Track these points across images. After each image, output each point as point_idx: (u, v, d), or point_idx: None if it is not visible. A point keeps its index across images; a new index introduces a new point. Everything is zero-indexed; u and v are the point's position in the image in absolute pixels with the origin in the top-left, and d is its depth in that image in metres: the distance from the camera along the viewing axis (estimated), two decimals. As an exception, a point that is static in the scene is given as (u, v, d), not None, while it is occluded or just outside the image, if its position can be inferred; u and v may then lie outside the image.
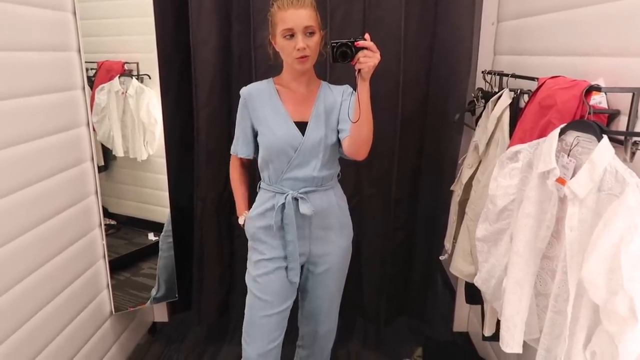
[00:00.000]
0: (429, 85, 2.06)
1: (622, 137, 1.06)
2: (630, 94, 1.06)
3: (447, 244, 1.95)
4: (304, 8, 1.38)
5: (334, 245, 1.60)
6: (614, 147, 0.99)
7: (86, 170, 1.82)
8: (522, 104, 1.50)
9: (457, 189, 1.87)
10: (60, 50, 1.65)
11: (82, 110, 1.78)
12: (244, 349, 1.58)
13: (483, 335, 1.63)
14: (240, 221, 1.64)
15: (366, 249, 2.21)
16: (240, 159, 1.63)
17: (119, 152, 1.97)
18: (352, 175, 2.10)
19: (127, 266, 2.09)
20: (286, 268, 1.55)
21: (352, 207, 1.69)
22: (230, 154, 1.65)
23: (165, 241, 2.13)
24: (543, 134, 1.22)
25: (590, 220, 1.00)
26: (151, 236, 2.13)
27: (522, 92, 1.50)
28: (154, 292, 2.14)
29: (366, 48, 1.24)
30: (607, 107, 1.15)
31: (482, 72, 1.94)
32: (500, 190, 1.28)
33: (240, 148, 1.58)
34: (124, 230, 2.07)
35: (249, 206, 1.64)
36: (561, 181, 1.07)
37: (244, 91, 1.55)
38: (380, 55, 1.26)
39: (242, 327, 1.60)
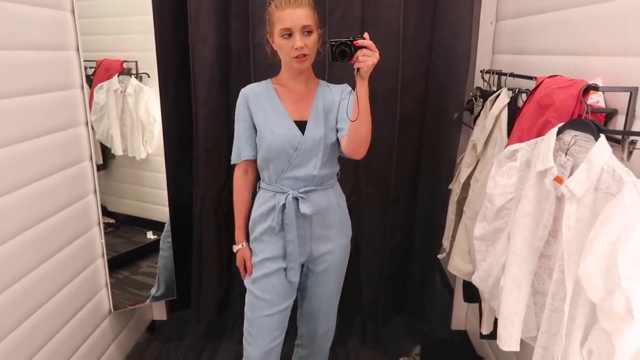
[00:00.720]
0: (428, 84, 2.06)
1: (619, 136, 1.07)
2: (628, 93, 1.06)
3: (445, 243, 1.96)
4: (302, 7, 1.38)
5: (335, 244, 1.61)
6: (611, 146, 0.99)
7: (85, 169, 1.83)
8: (520, 103, 1.50)
9: (455, 187, 1.87)
10: (59, 49, 1.65)
11: (81, 109, 1.78)
12: (245, 349, 1.58)
13: (481, 333, 1.63)
14: (234, 250, 1.63)
15: (364, 247, 2.22)
16: (246, 168, 1.60)
17: (117, 150, 1.97)
18: (350, 174, 2.10)
19: (126, 264, 2.09)
20: (285, 268, 1.56)
21: (350, 206, 1.70)
22: (229, 163, 1.63)
23: (165, 241, 2.13)
24: (541, 133, 1.22)
25: (587, 219, 1.01)
26: (150, 235, 2.14)
27: (520, 91, 1.51)
28: (153, 291, 2.14)
29: (365, 47, 1.25)
30: (604, 106, 1.16)
31: (481, 71, 1.94)
32: (498, 189, 1.28)
33: (243, 150, 1.55)
34: (122, 229, 2.07)
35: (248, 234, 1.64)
36: (559, 180, 1.07)
37: (243, 91, 1.54)
38: (380, 54, 1.26)
39: (240, 325, 1.60)
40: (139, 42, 1.93)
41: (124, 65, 1.92)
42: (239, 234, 1.63)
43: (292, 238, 1.51)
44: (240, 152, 1.56)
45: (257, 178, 1.63)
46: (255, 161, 1.58)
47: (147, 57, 1.92)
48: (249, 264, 1.59)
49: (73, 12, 1.70)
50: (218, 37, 1.97)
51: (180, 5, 1.93)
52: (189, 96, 2.02)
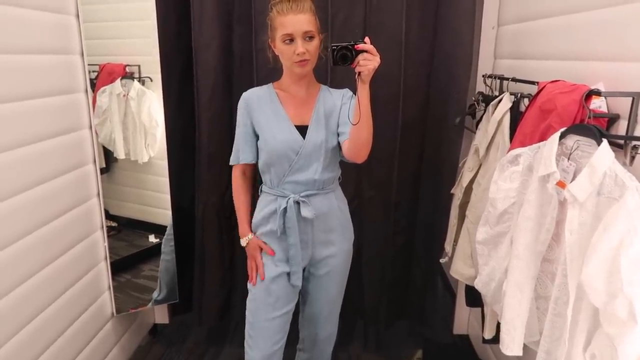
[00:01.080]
0: (430, 88, 2.07)
1: (621, 141, 1.07)
2: (630, 99, 1.07)
3: (448, 247, 1.96)
4: (303, 13, 1.39)
5: (336, 248, 1.61)
6: (613, 151, 1.00)
7: (88, 172, 1.83)
8: (522, 107, 1.51)
9: (458, 192, 1.88)
10: (63, 53, 1.66)
11: (85, 113, 1.79)
12: (246, 352, 1.58)
13: (483, 337, 1.63)
14: (243, 243, 1.61)
15: (366, 251, 2.22)
16: (243, 169, 1.60)
17: (120, 154, 1.97)
18: (352, 178, 2.10)
19: (128, 268, 2.09)
20: (288, 273, 1.56)
21: (352, 210, 1.70)
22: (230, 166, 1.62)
23: (167, 244, 2.13)
24: (543, 137, 1.23)
25: (590, 223, 1.01)
26: (152, 238, 2.14)
27: (523, 96, 1.51)
28: (155, 294, 2.15)
29: (366, 51, 1.25)
30: (606, 111, 1.16)
31: (483, 75, 1.95)
32: (501, 194, 1.29)
33: (242, 153, 1.55)
34: (124, 232, 2.08)
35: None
36: (561, 185, 1.08)
37: (244, 96, 1.55)
38: (380, 58, 1.27)
39: (242, 329, 1.60)
40: (142, 46, 1.94)
41: (127, 69, 1.93)
42: (243, 227, 1.60)
43: (294, 242, 1.52)
44: (239, 155, 1.57)
45: (256, 179, 1.63)
46: (253, 164, 1.59)
47: (150, 61, 1.93)
48: (267, 247, 1.56)
49: (77, 16, 1.71)
50: (221, 41, 1.98)
51: (184, 9, 1.94)
52: (192, 98, 2.03)
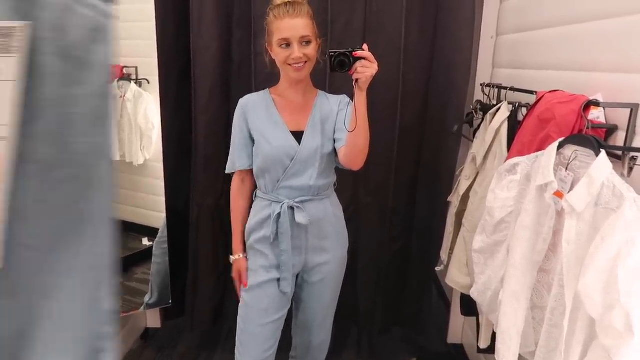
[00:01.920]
0: (428, 95, 2.07)
1: (619, 152, 1.07)
2: (629, 110, 1.07)
3: (444, 255, 1.95)
4: (300, 17, 1.38)
5: (330, 255, 1.59)
6: (611, 162, 0.99)
7: (83, 173, 1.81)
8: (520, 117, 1.51)
9: (454, 200, 1.87)
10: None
11: (81, 114, 1.77)
12: (236, 359, 1.56)
13: (478, 347, 1.62)
14: (232, 260, 1.60)
15: (362, 258, 2.21)
16: (243, 177, 1.59)
17: (115, 156, 1.95)
18: (349, 185, 2.10)
19: (121, 271, 2.07)
20: (279, 279, 1.54)
21: (349, 217, 1.69)
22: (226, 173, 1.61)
23: (159, 247, 2.11)
24: (541, 147, 1.22)
25: (587, 234, 1.00)
26: (145, 241, 2.12)
27: (521, 105, 1.51)
28: (147, 298, 2.12)
29: (364, 58, 1.25)
30: (605, 122, 1.16)
31: (481, 84, 1.95)
32: (498, 203, 1.28)
33: (238, 160, 1.54)
34: (117, 235, 2.05)
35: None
36: (559, 195, 1.07)
37: (241, 102, 1.54)
38: (379, 64, 1.26)
39: (235, 334, 1.58)
40: (139, 48, 1.93)
41: (124, 71, 1.92)
42: (236, 244, 1.60)
43: (286, 248, 1.50)
44: (235, 161, 1.56)
45: (255, 187, 1.62)
46: (251, 170, 1.58)
47: (147, 62, 1.92)
48: (245, 275, 1.57)
49: (75, 16, 1.70)
50: (220, 44, 1.97)
51: (183, 12, 1.94)
52: (189, 103, 2.02)
